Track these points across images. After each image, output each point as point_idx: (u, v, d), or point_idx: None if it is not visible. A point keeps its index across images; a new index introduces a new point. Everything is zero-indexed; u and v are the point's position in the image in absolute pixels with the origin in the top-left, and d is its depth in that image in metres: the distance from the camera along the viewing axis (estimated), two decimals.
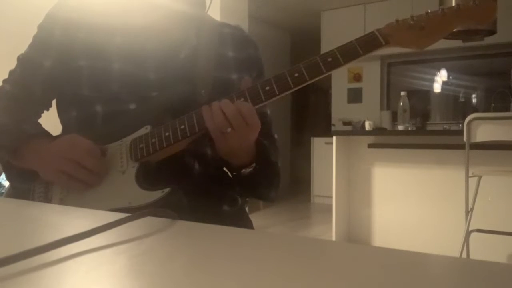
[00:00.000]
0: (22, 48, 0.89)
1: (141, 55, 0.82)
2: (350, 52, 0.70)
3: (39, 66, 0.84)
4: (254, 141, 0.76)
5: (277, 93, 0.71)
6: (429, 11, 0.71)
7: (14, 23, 2.38)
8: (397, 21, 0.71)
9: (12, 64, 0.89)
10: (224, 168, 0.86)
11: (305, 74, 0.70)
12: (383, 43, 0.70)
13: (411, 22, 0.70)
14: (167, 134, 0.74)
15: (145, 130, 0.77)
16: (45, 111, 0.91)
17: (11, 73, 0.89)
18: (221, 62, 0.87)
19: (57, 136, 0.85)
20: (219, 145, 0.76)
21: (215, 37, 0.90)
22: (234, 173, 0.82)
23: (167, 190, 0.71)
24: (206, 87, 0.82)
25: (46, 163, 0.76)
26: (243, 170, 0.80)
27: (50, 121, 0.90)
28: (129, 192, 0.74)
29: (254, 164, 0.80)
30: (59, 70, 0.83)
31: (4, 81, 0.88)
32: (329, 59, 0.70)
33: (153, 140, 0.75)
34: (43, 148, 0.77)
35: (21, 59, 0.88)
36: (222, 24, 0.95)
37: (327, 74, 0.71)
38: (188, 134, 0.73)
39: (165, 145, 0.74)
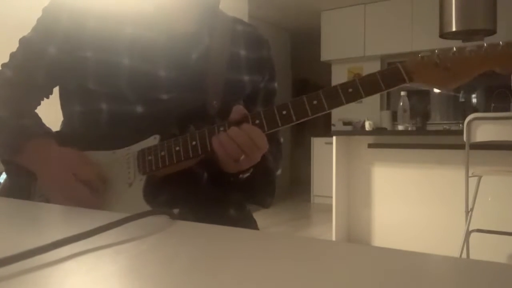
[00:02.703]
0: (23, 34, 0.85)
1: (152, 50, 0.79)
2: (372, 86, 0.68)
3: (43, 52, 0.80)
4: None
5: (294, 120, 0.69)
6: (454, 49, 0.68)
7: (16, 10, 2.36)
8: (422, 57, 0.68)
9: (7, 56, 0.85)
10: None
11: (324, 102, 0.68)
12: (407, 81, 0.67)
13: (436, 60, 0.68)
14: (177, 148, 0.70)
15: (153, 140, 0.73)
16: (45, 100, 0.88)
17: (12, 56, 0.85)
18: (233, 63, 0.84)
19: (57, 133, 0.82)
20: (228, 169, 0.73)
21: (228, 35, 0.86)
22: (231, 179, 0.79)
23: (175, 211, 0.70)
24: (216, 93, 0.80)
25: (44, 173, 0.74)
26: (241, 175, 0.77)
27: (51, 113, 0.88)
28: (136, 207, 0.70)
29: (251, 170, 0.77)
30: (64, 58, 0.79)
31: (4, 65, 0.84)
32: (350, 90, 0.68)
33: (163, 153, 0.71)
34: (42, 152, 0.75)
35: (24, 43, 0.84)
36: (235, 21, 0.91)
37: (345, 105, 0.69)
38: (200, 152, 0.69)
39: (175, 161, 0.71)
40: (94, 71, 0.77)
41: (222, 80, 0.82)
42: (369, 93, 0.68)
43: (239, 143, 0.67)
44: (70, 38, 0.79)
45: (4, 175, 0.85)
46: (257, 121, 0.69)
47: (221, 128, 0.70)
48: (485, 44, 0.67)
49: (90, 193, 0.72)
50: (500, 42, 0.67)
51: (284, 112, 0.69)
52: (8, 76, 0.83)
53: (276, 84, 0.93)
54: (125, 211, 0.71)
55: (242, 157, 0.68)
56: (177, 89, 0.78)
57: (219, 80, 0.81)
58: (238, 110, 0.71)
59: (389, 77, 0.68)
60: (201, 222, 0.64)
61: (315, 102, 0.69)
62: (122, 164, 0.75)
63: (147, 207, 0.71)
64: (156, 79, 0.78)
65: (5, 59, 0.86)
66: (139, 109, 0.77)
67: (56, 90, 0.88)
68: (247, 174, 0.77)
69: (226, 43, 0.85)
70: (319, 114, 0.70)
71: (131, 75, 0.77)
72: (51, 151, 0.75)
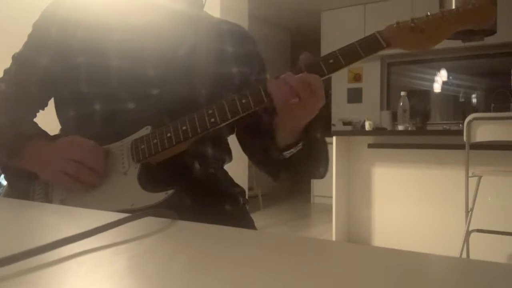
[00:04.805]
0: (19, 47, 0.88)
1: (140, 52, 0.82)
2: (351, 54, 0.70)
3: (35, 65, 0.83)
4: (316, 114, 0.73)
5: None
6: (429, 13, 0.71)
7: (11, 22, 2.37)
8: (397, 23, 0.72)
9: (8, 63, 0.88)
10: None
11: None
12: (384, 45, 0.70)
13: (411, 24, 0.71)
14: (168, 135, 0.73)
15: (145, 130, 0.76)
16: (41, 111, 0.90)
17: (6, 72, 0.87)
18: (220, 58, 0.87)
19: (55, 136, 0.84)
20: (285, 120, 0.73)
21: (214, 34, 0.90)
22: (284, 153, 0.79)
23: (170, 192, 0.71)
24: (206, 86, 0.82)
25: (46, 164, 0.75)
26: (292, 149, 0.77)
27: (48, 121, 0.90)
28: (132, 193, 0.73)
29: (301, 143, 0.77)
30: (56, 68, 0.82)
31: None
32: (331, 61, 0.70)
33: (155, 141, 0.74)
34: (42, 148, 0.76)
35: (16, 58, 0.87)
36: (220, 21, 0.95)
37: (328, 76, 0.71)
38: (190, 135, 0.73)
39: (166, 146, 0.73)
40: (86, 74, 0.79)
41: (209, 72, 0.84)
42: (349, 61, 0.70)
43: (292, 84, 0.68)
44: (61, 48, 0.82)
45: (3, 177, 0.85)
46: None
47: (210, 111, 0.72)
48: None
49: (91, 175, 0.74)
50: (472, 0, 0.70)
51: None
52: (3, 89, 0.86)
53: (268, 76, 0.94)
54: (122, 200, 0.73)
55: (296, 99, 0.68)
56: (166, 84, 0.81)
57: (207, 72, 0.84)
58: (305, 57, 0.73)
59: (367, 44, 0.71)
60: (195, 210, 0.66)
61: None
62: (117, 156, 0.77)
63: (143, 193, 0.73)
64: (145, 76, 0.81)
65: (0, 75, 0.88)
66: (131, 105, 0.80)
67: (51, 102, 0.90)
68: (299, 147, 0.77)
69: (212, 40, 0.88)
70: None
71: (121, 74, 0.79)
72: (50, 146, 0.77)
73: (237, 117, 0.72)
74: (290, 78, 0.68)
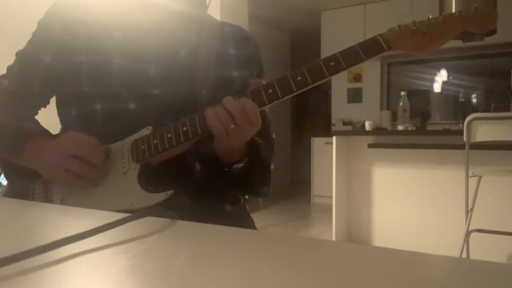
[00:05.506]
0: (21, 45, 0.88)
1: (141, 51, 0.82)
2: (352, 57, 0.71)
3: (38, 62, 0.83)
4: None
5: (280, 97, 0.71)
6: (430, 16, 0.71)
7: (14, 21, 2.37)
8: (399, 26, 0.72)
9: (8, 62, 0.88)
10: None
11: (308, 77, 0.71)
12: (386, 48, 0.71)
13: (413, 27, 0.71)
14: (169, 135, 0.74)
15: (146, 131, 0.76)
16: (43, 109, 0.91)
17: (9, 69, 0.88)
18: (222, 59, 0.88)
19: (56, 135, 0.84)
20: (220, 143, 0.76)
21: (216, 36, 0.90)
22: (226, 169, 0.83)
23: (170, 192, 0.71)
24: (207, 87, 0.82)
25: (48, 162, 0.75)
26: (235, 165, 0.80)
27: (49, 120, 0.90)
28: (132, 194, 0.74)
29: (246, 159, 0.80)
30: (58, 66, 0.82)
31: (2, 76, 0.87)
32: (332, 63, 0.71)
33: (155, 141, 0.74)
34: (44, 146, 0.76)
35: (20, 55, 0.87)
36: (223, 23, 0.95)
37: (329, 78, 0.71)
38: (191, 136, 0.73)
39: (167, 147, 0.74)
40: (88, 73, 0.79)
41: (211, 73, 0.84)
42: (350, 64, 0.71)
43: (231, 110, 0.70)
44: (63, 47, 0.82)
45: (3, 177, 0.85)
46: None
47: None
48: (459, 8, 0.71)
49: (93, 171, 0.74)
50: (474, 4, 0.70)
51: (270, 91, 0.72)
52: (6, 85, 0.86)
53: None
54: (122, 200, 0.73)
55: (232, 126, 0.70)
56: (167, 84, 0.81)
57: (208, 73, 0.84)
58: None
59: (368, 47, 0.71)
60: (196, 210, 0.66)
61: (299, 78, 0.71)
62: (117, 155, 0.77)
63: (144, 194, 0.73)
64: (147, 76, 0.81)
65: (3, 70, 0.88)
66: (132, 105, 0.80)
67: (53, 99, 0.90)
68: (241, 164, 0.81)
69: (214, 42, 0.89)
70: (304, 89, 0.72)
71: (122, 73, 0.79)
72: (51, 144, 0.77)
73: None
74: (228, 103, 0.70)
